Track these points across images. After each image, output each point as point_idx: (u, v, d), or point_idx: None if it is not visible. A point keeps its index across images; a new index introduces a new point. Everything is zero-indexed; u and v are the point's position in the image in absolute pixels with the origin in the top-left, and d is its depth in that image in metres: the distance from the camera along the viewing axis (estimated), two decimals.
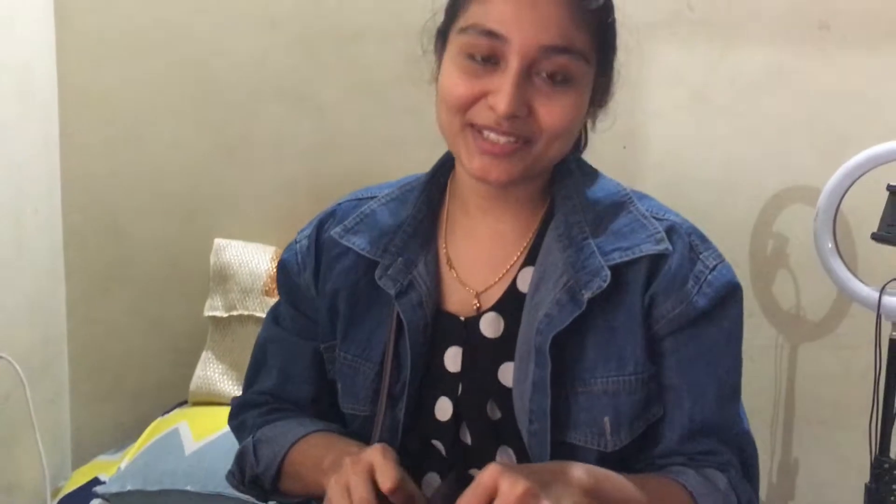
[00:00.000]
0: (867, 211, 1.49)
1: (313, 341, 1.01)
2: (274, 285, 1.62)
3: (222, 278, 1.64)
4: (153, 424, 1.54)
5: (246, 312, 1.61)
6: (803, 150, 1.65)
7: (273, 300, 1.61)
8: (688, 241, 0.91)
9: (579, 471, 0.78)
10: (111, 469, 1.49)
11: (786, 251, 1.71)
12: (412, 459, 0.93)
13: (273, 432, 0.98)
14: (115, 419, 1.74)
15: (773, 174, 1.67)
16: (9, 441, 1.46)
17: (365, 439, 0.94)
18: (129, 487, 1.37)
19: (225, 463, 1.37)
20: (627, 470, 0.90)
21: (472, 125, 0.85)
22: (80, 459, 1.71)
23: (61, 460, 1.72)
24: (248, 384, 1.07)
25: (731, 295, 0.91)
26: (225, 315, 1.63)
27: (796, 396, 1.74)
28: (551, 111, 0.84)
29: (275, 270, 1.62)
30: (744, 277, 1.72)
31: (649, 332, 0.89)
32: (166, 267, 1.74)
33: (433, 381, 0.93)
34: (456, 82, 0.84)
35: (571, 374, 0.88)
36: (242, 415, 1.05)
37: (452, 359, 0.93)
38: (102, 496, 1.40)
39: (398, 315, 0.92)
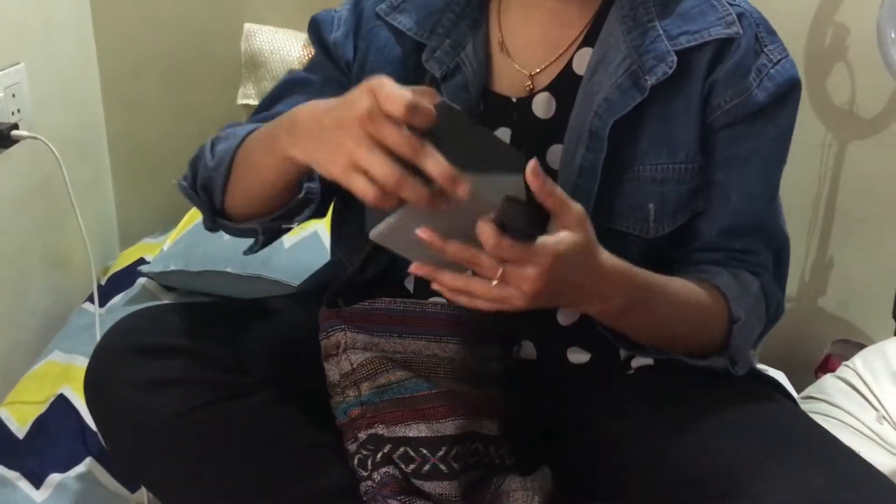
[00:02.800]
0: None
1: (340, 89, 0.92)
2: None
3: (254, 66, 1.60)
4: (193, 209, 1.57)
5: None
6: None
7: None
8: (754, 32, 0.88)
9: (625, 286, 0.78)
10: (155, 251, 1.54)
11: (845, 43, 1.61)
12: None
13: (236, 131, 0.88)
14: (156, 203, 1.78)
15: None
16: (56, 221, 1.51)
17: None
18: (171, 267, 1.42)
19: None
20: (664, 259, 0.90)
21: None
22: (126, 241, 1.77)
23: (109, 241, 1.79)
24: (258, 110, 0.99)
25: (791, 91, 0.89)
26: (257, 103, 1.60)
27: (839, 195, 1.71)
28: None
29: (307, 57, 1.58)
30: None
31: (705, 121, 0.87)
32: (197, 51, 1.70)
33: None
34: None
35: (621, 160, 0.87)
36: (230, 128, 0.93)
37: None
38: (147, 275, 1.46)
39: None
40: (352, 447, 0.85)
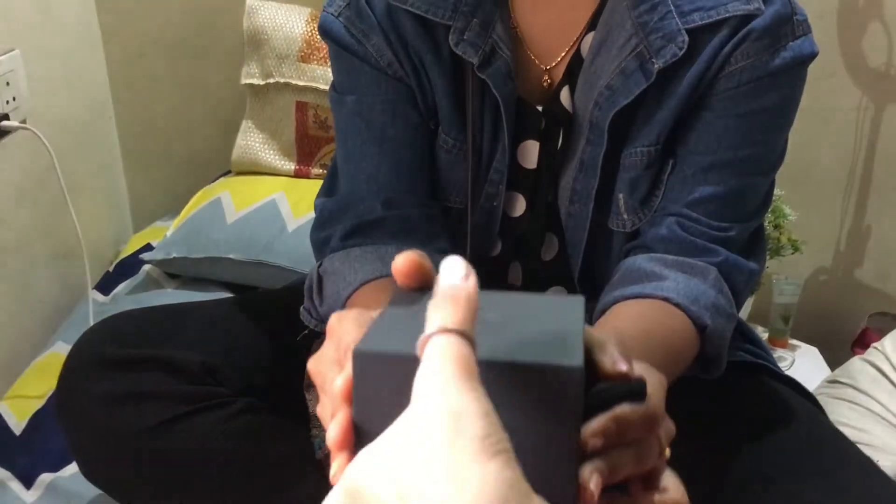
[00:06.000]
0: None
1: (414, 109, 0.82)
2: (310, 51, 1.54)
3: (257, 43, 1.56)
4: (199, 194, 1.55)
5: (282, 80, 1.54)
6: None
7: (309, 66, 1.53)
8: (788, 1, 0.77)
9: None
10: (164, 235, 1.53)
11: (881, 0, 1.50)
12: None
13: (344, 270, 0.81)
14: (167, 186, 1.77)
15: None
16: (59, 210, 1.48)
17: (463, 234, 0.85)
18: (174, 255, 1.40)
19: (264, 233, 1.39)
20: None
21: None
22: (140, 223, 1.76)
23: (122, 224, 1.78)
24: (331, 185, 0.88)
25: (805, 62, 0.79)
26: (262, 83, 1.56)
27: (875, 161, 1.61)
28: None
29: (310, 34, 1.53)
30: (830, 32, 1.54)
31: (697, 92, 0.78)
32: (201, 30, 1.67)
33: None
34: None
35: (614, 151, 0.80)
36: (328, 229, 0.86)
37: (527, 153, 0.84)
38: (150, 262, 1.44)
39: (487, 90, 0.79)
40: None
